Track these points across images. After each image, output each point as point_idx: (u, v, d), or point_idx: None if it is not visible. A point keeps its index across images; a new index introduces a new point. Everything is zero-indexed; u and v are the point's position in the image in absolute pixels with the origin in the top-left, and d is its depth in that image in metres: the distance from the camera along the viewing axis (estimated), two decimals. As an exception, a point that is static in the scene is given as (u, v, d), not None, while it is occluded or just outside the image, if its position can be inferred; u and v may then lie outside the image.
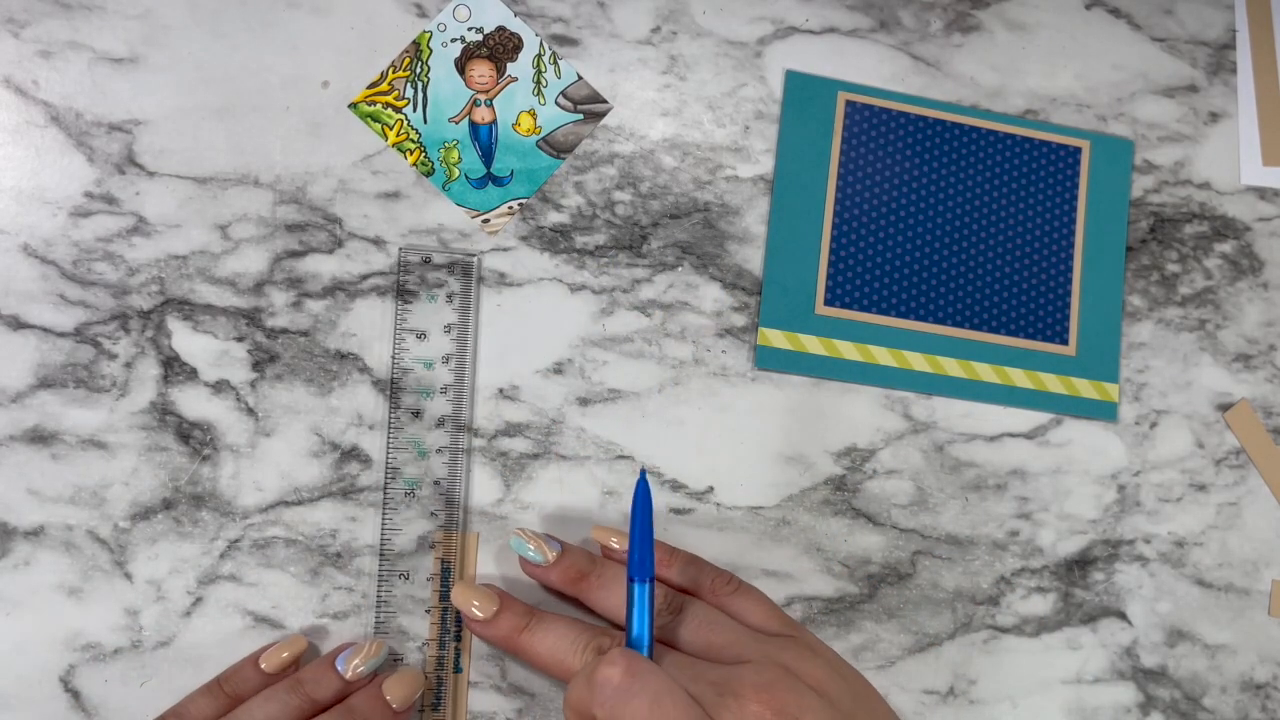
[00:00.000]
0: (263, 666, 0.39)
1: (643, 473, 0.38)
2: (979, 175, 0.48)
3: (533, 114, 0.46)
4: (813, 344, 0.46)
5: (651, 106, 0.47)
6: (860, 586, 0.45)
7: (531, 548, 0.40)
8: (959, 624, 0.45)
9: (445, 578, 0.42)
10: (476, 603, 0.40)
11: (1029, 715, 0.45)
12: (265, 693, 0.38)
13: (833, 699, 0.35)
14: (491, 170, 0.45)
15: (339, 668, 0.39)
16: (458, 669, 0.42)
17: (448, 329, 0.43)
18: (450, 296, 0.43)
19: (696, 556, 0.42)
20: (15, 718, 0.39)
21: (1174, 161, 0.50)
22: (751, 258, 0.46)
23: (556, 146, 0.46)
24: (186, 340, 0.42)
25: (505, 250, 0.45)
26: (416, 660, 0.41)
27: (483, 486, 0.43)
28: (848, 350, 0.46)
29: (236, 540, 0.41)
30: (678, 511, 0.44)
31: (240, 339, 0.43)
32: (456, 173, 0.45)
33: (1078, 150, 0.49)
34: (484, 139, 0.45)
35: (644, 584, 0.37)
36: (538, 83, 0.46)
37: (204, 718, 0.38)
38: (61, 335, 0.42)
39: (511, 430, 0.44)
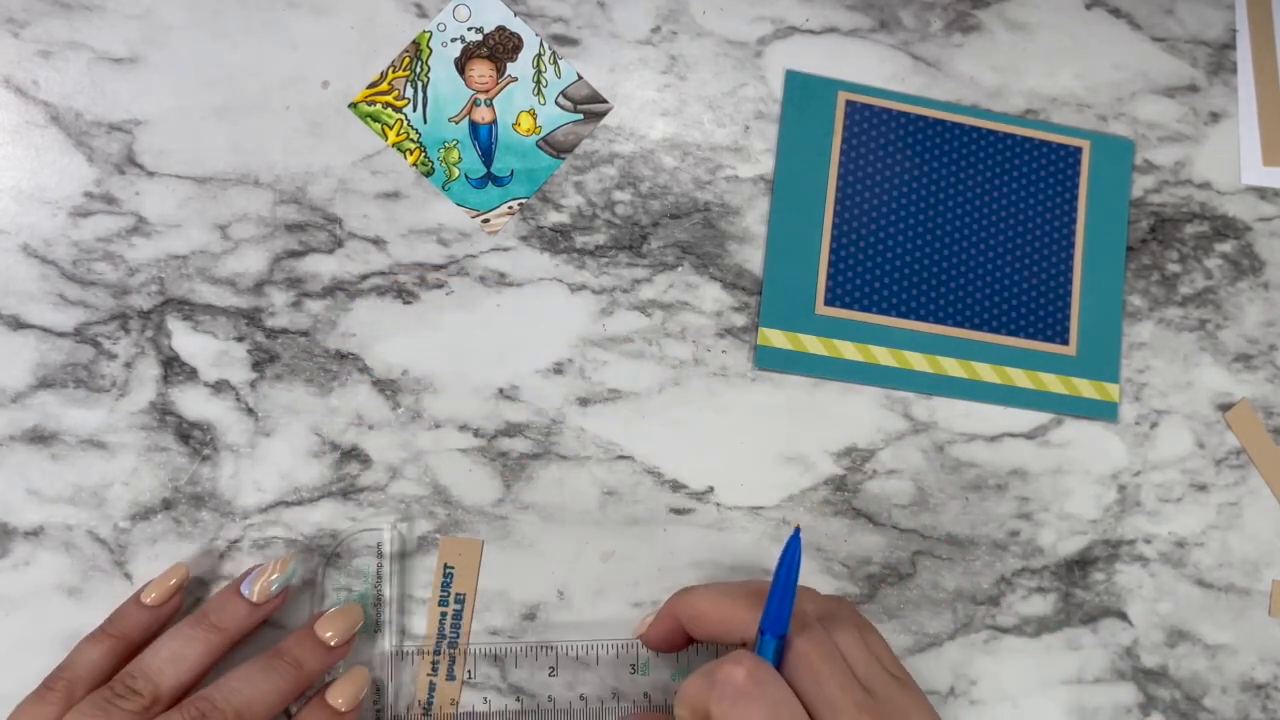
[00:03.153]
0: (146, 601, 0.38)
1: (797, 530, 0.36)
2: (979, 175, 0.48)
3: (533, 114, 0.46)
4: (813, 344, 0.46)
5: (651, 106, 0.47)
6: (860, 586, 0.45)
7: None
8: (959, 624, 0.45)
9: (446, 582, 0.42)
10: None
11: (1029, 715, 0.45)
12: (171, 630, 0.37)
13: None
14: (491, 170, 0.45)
15: (244, 593, 0.37)
16: (451, 677, 0.42)
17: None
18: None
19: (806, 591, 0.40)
20: (15, 718, 0.39)
21: (1174, 161, 0.50)
22: (751, 258, 0.46)
23: (556, 146, 0.46)
24: (186, 340, 0.42)
25: (505, 250, 0.45)
26: (415, 662, 0.41)
27: (483, 486, 0.43)
28: (848, 350, 0.46)
29: (236, 540, 0.41)
30: (678, 511, 0.44)
31: (240, 339, 0.43)
32: (456, 173, 0.45)
33: (1078, 150, 0.49)
34: (484, 139, 0.45)
35: (773, 639, 0.35)
36: (538, 83, 0.46)
37: (95, 668, 0.36)
38: (61, 335, 0.42)
39: (511, 430, 0.44)
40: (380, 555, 0.41)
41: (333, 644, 0.38)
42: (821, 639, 0.36)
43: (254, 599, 0.38)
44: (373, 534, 0.42)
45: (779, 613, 0.35)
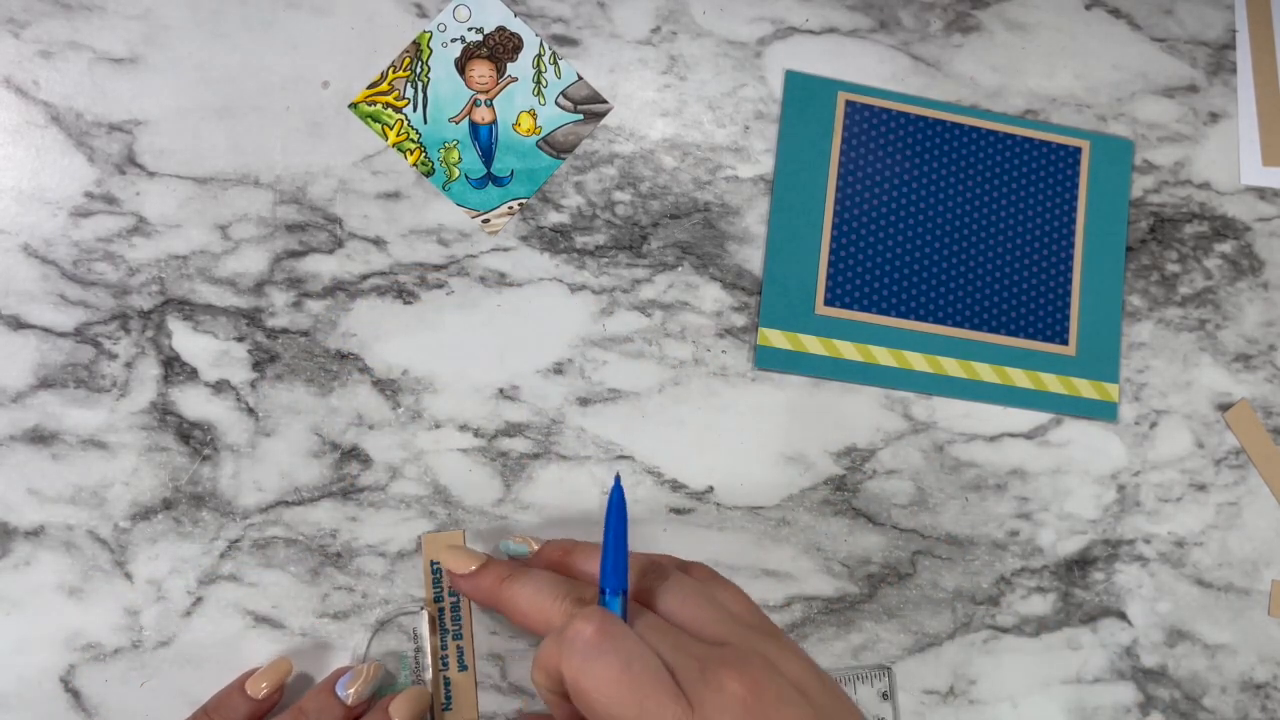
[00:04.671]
0: (249, 692, 0.38)
1: (617, 478, 0.37)
2: (979, 175, 0.48)
3: (533, 114, 0.46)
4: (813, 344, 0.46)
5: (651, 106, 0.47)
6: (860, 586, 0.45)
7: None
8: (959, 624, 0.45)
9: (438, 579, 0.42)
10: (460, 558, 0.39)
11: (1029, 715, 0.45)
12: None
13: (811, 698, 0.35)
14: (491, 170, 0.45)
15: (340, 694, 0.38)
16: (463, 668, 0.42)
17: None
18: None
19: (661, 556, 0.41)
20: (15, 718, 0.39)
21: (1174, 161, 0.50)
22: (751, 258, 0.46)
23: (556, 146, 0.46)
24: (187, 340, 0.42)
25: (505, 250, 0.45)
26: (422, 658, 0.41)
27: (483, 486, 0.43)
28: (848, 350, 0.46)
29: (236, 540, 0.41)
30: (678, 511, 0.44)
31: (240, 339, 0.43)
32: (456, 173, 0.45)
33: (1078, 150, 0.49)
34: (484, 139, 0.45)
35: (615, 597, 0.35)
36: (538, 83, 0.46)
37: None
38: (62, 335, 0.42)
39: (511, 430, 0.44)
40: (416, 639, 0.41)
41: None
42: (670, 593, 0.37)
43: (349, 702, 0.38)
44: (409, 617, 0.42)
45: (615, 568, 0.35)
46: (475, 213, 0.45)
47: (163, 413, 0.42)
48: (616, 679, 0.32)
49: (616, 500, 0.36)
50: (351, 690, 0.38)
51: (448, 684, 0.41)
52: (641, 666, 0.32)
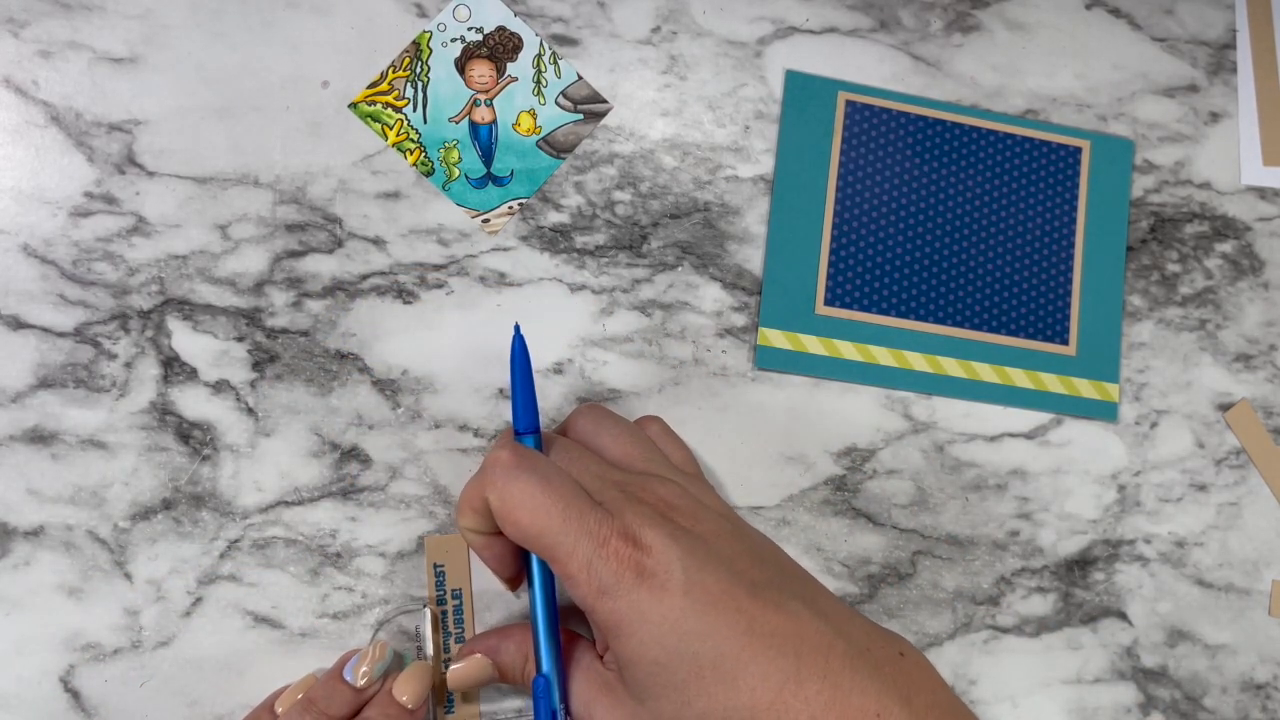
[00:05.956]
0: (278, 710, 0.38)
1: (517, 327, 0.38)
2: (979, 175, 0.48)
3: (533, 114, 0.46)
4: (813, 344, 0.46)
5: (651, 106, 0.47)
6: (860, 586, 0.45)
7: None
8: (959, 624, 0.45)
9: (440, 580, 0.42)
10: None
11: (1029, 715, 0.45)
12: None
13: (732, 520, 0.36)
14: (491, 170, 0.45)
15: (347, 679, 0.38)
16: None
17: None
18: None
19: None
20: (15, 718, 0.39)
21: (1174, 161, 0.50)
22: (751, 258, 0.46)
23: (556, 146, 0.46)
24: (186, 340, 0.42)
25: (505, 250, 0.45)
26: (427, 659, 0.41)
27: (483, 486, 0.43)
28: (848, 350, 0.46)
29: (236, 540, 0.41)
30: (678, 511, 0.44)
31: (240, 339, 0.43)
32: (456, 173, 0.45)
33: (1078, 150, 0.49)
34: (484, 139, 0.45)
35: (528, 436, 0.37)
36: (538, 83, 0.46)
37: None
38: (61, 335, 0.42)
39: (511, 430, 0.44)
40: (419, 638, 0.41)
41: (410, 706, 0.38)
42: (581, 433, 0.38)
43: (357, 685, 0.38)
44: (409, 616, 0.42)
45: (525, 410, 0.37)
46: (475, 213, 0.45)
47: (162, 413, 0.42)
48: (537, 492, 0.33)
49: (518, 348, 0.38)
50: (359, 673, 0.38)
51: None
52: (560, 481, 0.34)
